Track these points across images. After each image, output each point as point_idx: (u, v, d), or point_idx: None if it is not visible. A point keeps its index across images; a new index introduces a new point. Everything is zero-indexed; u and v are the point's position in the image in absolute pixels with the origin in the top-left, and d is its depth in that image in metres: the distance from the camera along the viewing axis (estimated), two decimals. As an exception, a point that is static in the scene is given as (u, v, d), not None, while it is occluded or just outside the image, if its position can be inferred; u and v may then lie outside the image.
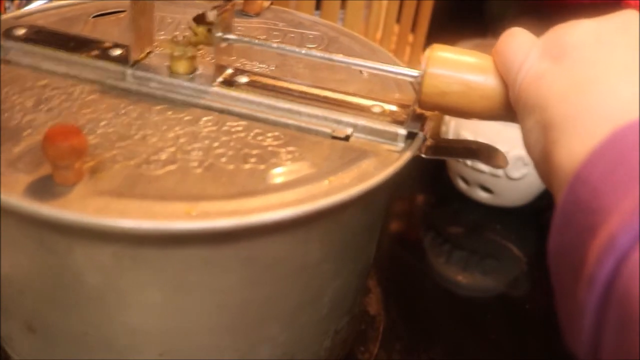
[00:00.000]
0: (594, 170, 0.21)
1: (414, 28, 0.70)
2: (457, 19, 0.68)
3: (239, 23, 0.44)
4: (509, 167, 0.57)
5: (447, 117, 0.61)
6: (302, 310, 0.33)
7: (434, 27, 0.70)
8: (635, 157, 0.20)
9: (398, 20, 0.68)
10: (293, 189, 0.29)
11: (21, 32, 0.37)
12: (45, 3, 0.41)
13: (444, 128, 0.61)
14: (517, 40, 0.29)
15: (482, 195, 0.61)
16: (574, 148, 0.23)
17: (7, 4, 0.53)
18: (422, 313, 0.50)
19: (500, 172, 0.58)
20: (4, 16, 0.40)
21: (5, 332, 0.34)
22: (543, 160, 0.25)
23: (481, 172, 0.59)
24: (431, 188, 0.66)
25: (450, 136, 0.60)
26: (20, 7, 0.52)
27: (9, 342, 0.34)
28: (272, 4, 0.46)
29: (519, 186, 0.59)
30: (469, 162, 0.59)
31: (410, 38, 0.70)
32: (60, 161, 0.26)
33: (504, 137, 0.54)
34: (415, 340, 0.47)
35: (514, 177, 0.58)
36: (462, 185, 0.62)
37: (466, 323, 0.50)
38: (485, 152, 0.35)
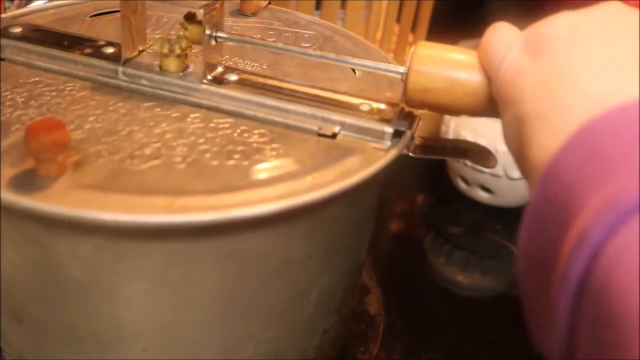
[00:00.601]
0: (564, 165, 0.21)
1: (414, 28, 0.70)
2: (457, 19, 0.68)
3: (235, 22, 0.44)
4: (509, 167, 0.57)
5: (447, 117, 0.61)
6: (287, 307, 0.33)
7: (434, 27, 0.70)
8: (606, 150, 0.20)
9: (398, 20, 0.68)
10: (275, 185, 0.29)
11: (17, 30, 0.38)
12: (44, 3, 0.41)
13: (443, 128, 0.61)
14: (501, 34, 0.29)
15: (482, 195, 0.61)
16: (545, 143, 0.23)
17: (7, 4, 0.54)
18: (422, 313, 0.50)
19: (500, 172, 0.58)
20: (2, 15, 0.40)
21: (-5, 325, 0.35)
22: (519, 156, 0.25)
23: (481, 172, 0.59)
24: (431, 188, 0.66)
25: (450, 136, 0.60)
26: (20, 7, 0.53)
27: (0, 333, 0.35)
28: (269, 3, 0.47)
29: (519, 186, 0.59)
30: (469, 162, 0.59)
31: (410, 38, 0.70)
32: (42, 154, 0.26)
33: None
34: (415, 340, 0.47)
35: (514, 177, 0.58)
36: (462, 185, 0.62)
37: (466, 323, 0.50)
38: (474, 152, 0.35)
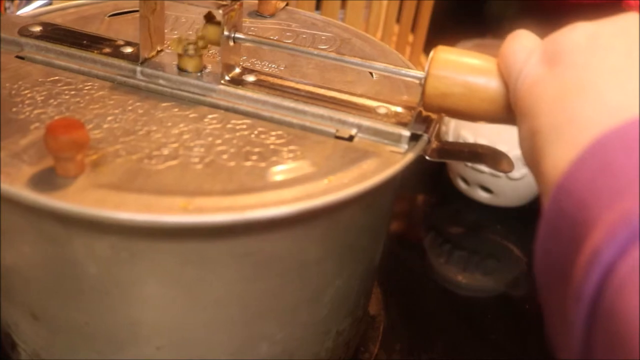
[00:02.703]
0: (576, 179, 0.21)
1: (414, 28, 0.70)
2: (457, 19, 0.68)
3: (253, 23, 0.44)
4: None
5: (446, 117, 0.61)
6: (301, 308, 0.33)
7: (434, 27, 0.70)
8: (618, 165, 0.20)
9: (398, 20, 0.68)
10: (291, 187, 0.29)
11: (37, 29, 0.38)
12: (46, 3, 0.42)
13: (443, 128, 0.61)
14: (520, 43, 0.28)
15: (482, 195, 0.61)
16: (558, 156, 0.22)
17: (7, 4, 0.54)
18: (422, 313, 0.50)
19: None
20: (22, 13, 0.41)
21: (12, 320, 0.35)
22: (534, 170, 0.25)
23: (481, 172, 0.59)
24: (431, 188, 0.66)
25: (450, 137, 0.59)
26: (20, 7, 0.53)
27: (15, 329, 0.35)
28: (287, 4, 0.47)
29: (519, 186, 0.59)
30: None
31: (410, 38, 0.70)
32: (61, 153, 0.27)
33: (504, 137, 0.54)
34: (415, 340, 0.47)
35: (514, 177, 0.58)
36: (462, 185, 0.62)
37: (466, 323, 0.50)
38: (490, 156, 0.35)
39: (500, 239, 0.60)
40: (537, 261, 0.23)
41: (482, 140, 0.56)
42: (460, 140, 0.57)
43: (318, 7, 0.61)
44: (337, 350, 0.38)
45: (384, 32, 0.67)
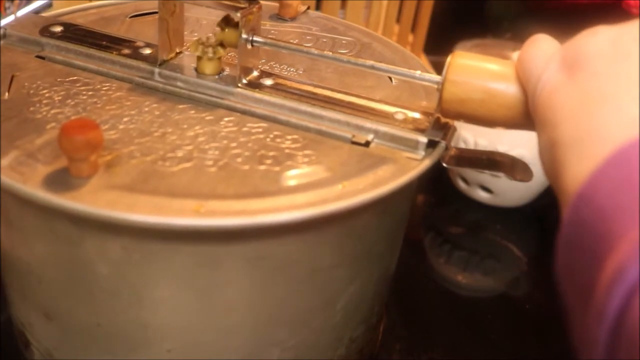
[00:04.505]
0: (598, 189, 0.20)
1: (414, 28, 0.69)
2: (457, 19, 0.67)
3: (274, 27, 0.44)
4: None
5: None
6: (313, 315, 0.33)
7: (434, 27, 0.69)
8: None
9: (398, 20, 0.67)
10: (305, 192, 0.28)
11: (58, 29, 0.38)
12: (46, 3, 0.42)
13: None
14: (539, 48, 0.28)
15: (482, 195, 0.61)
16: (579, 168, 0.22)
17: (7, 4, 0.54)
18: (422, 313, 0.50)
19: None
20: (44, 14, 0.41)
21: (25, 319, 0.35)
22: (554, 181, 0.24)
23: (481, 172, 0.58)
24: (431, 188, 0.65)
25: None
26: (20, 7, 0.53)
27: (29, 328, 0.35)
28: (308, 8, 0.47)
29: (519, 186, 0.58)
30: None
31: (410, 38, 0.69)
32: (75, 154, 0.27)
33: (504, 137, 0.53)
34: (415, 340, 0.46)
35: None
36: (462, 185, 0.62)
37: (466, 323, 0.50)
38: (508, 165, 0.34)
39: (500, 239, 0.60)
40: (559, 269, 0.22)
41: (482, 140, 0.55)
42: (461, 141, 0.57)
43: (318, 7, 0.61)
44: (350, 357, 0.38)
45: (384, 32, 0.66)
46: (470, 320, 0.50)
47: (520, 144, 0.53)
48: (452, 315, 0.51)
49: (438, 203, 0.65)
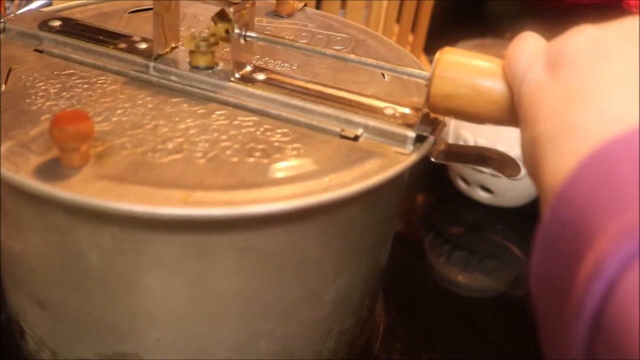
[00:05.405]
0: (577, 188, 0.20)
1: (414, 28, 0.69)
2: (457, 19, 0.67)
3: (270, 23, 0.45)
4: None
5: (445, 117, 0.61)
6: (301, 306, 0.34)
7: (434, 27, 0.69)
8: (622, 175, 0.19)
9: (398, 20, 0.67)
10: (292, 184, 0.29)
11: (57, 24, 0.39)
12: (46, 3, 0.43)
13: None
14: (525, 46, 0.28)
15: (482, 195, 0.61)
16: (558, 166, 0.22)
17: (6, 4, 0.55)
18: (422, 313, 0.50)
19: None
20: (44, 9, 0.42)
21: (20, 308, 0.36)
22: (535, 179, 0.24)
23: (481, 172, 0.58)
24: (431, 188, 0.65)
25: (450, 136, 0.59)
26: (20, 7, 0.54)
27: (24, 317, 0.36)
28: (305, 5, 0.47)
29: (519, 186, 0.58)
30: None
31: (410, 38, 0.70)
32: (66, 144, 0.27)
33: (504, 137, 0.53)
34: (415, 340, 0.47)
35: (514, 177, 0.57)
36: (462, 185, 0.62)
37: (466, 323, 0.50)
38: (497, 160, 0.35)
39: (500, 239, 0.60)
40: (533, 273, 0.22)
41: (482, 140, 0.56)
42: (460, 140, 0.57)
43: (318, 6, 0.61)
44: (339, 349, 0.38)
45: (384, 32, 0.66)
46: (470, 320, 0.50)
47: (519, 144, 0.53)
48: (452, 315, 0.51)
49: (438, 203, 0.65)
